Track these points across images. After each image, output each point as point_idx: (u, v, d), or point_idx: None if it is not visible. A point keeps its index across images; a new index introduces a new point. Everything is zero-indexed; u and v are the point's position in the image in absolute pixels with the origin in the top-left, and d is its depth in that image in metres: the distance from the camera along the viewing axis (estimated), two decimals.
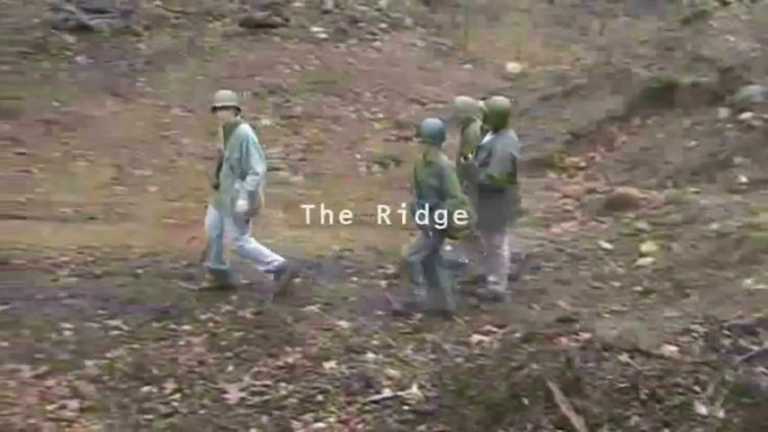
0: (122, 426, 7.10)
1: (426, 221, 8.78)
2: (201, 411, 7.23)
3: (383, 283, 9.75)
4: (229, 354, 8.05)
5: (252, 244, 9.31)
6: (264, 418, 7.06)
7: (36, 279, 9.57)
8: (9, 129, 14.09)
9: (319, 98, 16.30)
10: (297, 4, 20.66)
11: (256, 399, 7.30)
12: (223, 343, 8.22)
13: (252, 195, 9.12)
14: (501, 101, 9.59)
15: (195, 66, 17.34)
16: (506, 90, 17.45)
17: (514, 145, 9.43)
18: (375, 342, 8.12)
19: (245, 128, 9.19)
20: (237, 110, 9.28)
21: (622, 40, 19.93)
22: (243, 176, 9.09)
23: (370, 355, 7.83)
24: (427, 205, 8.78)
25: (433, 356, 7.79)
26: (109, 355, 8.07)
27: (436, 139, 8.82)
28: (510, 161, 9.26)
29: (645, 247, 10.23)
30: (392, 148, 14.39)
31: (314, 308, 8.88)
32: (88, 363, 7.96)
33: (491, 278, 9.38)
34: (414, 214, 8.94)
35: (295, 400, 7.22)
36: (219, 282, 9.42)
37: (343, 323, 8.53)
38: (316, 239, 10.84)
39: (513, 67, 19.29)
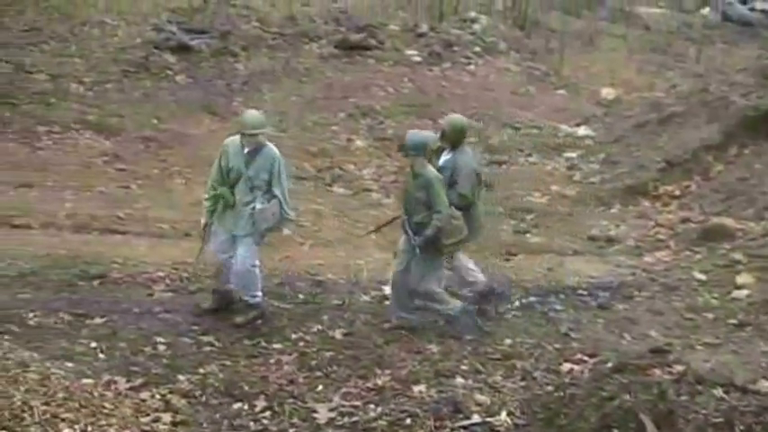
0: None
1: (413, 237, 8.71)
2: (291, 430, 7.32)
3: (474, 307, 9.71)
4: (319, 373, 8.13)
5: (258, 271, 9.22)
6: None
7: (132, 293, 9.76)
8: (110, 145, 14.44)
9: (412, 121, 16.33)
10: (392, 27, 20.81)
11: (345, 419, 7.35)
12: (313, 362, 8.30)
13: (289, 224, 9.39)
14: (459, 118, 9.64)
15: (290, 86, 17.55)
16: (600, 116, 17.40)
17: (475, 160, 9.60)
18: (464, 367, 8.12)
19: (272, 148, 9.05)
20: None
21: (719, 67, 19.70)
22: (267, 195, 8.97)
23: (460, 380, 7.83)
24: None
25: (522, 383, 7.76)
26: (201, 370, 8.21)
27: (421, 150, 8.69)
28: (475, 176, 9.33)
29: (740, 280, 10.07)
30: (484, 173, 14.32)
31: (403, 331, 8.91)
32: (181, 377, 8.10)
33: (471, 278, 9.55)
34: (406, 231, 8.83)
35: (384, 423, 7.24)
36: (224, 303, 9.30)
37: (433, 347, 8.54)
38: None
39: (607, 93, 19.16)
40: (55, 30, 18.77)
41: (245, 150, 8.92)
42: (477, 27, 21.56)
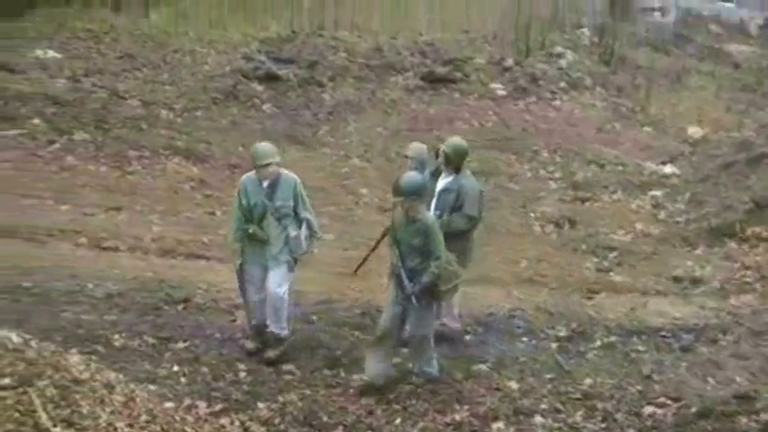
0: None
1: (410, 284, 8.27)
2: None
3: (554, 345, 9.66)
4: (397, 406, 8.14)
5: (288, 300, 9.13)
6: None
7: (215, 318, 9.89)
8: (198, 171, 14.67)
9: (496, 155, 16.33)
10: (477, 61, 20.85)
11: None
12: (391, 395, 8.30)
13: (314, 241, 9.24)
14: (461, 141, 9.54)
15: (376, 117, 17.68)
16: (687, 155, 17.18)
17: (476, 182, 9.52)
18: (544, 406, 8.06)
19: (289, 174, 9.04)
20: None
21: None
22: (295, 222, 8.94)
23: (539, 419, 7.78)
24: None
25: (603, 425, 7.68)
26: (281, 398, 8.29)
27: (417, 195, 8.29)
28: (480, 198, 9.31)
29: None
30: (567, 209, 14.28)
31: (483, 366, 8.88)
32: (261, 405, 8.19)
33: (445, 319, 9.41)
34: (400, 278, 8.34)
35: None
36: (285, 347, 9.16)
37: (513, 384, 8.50)
38: (487, 296, 10.84)
39: (694, 131, 18.91)
40: (148, 57, 19.21)
41: (265, 185, 8.89)
42: (563, 62, 21.49)
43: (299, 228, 8.96)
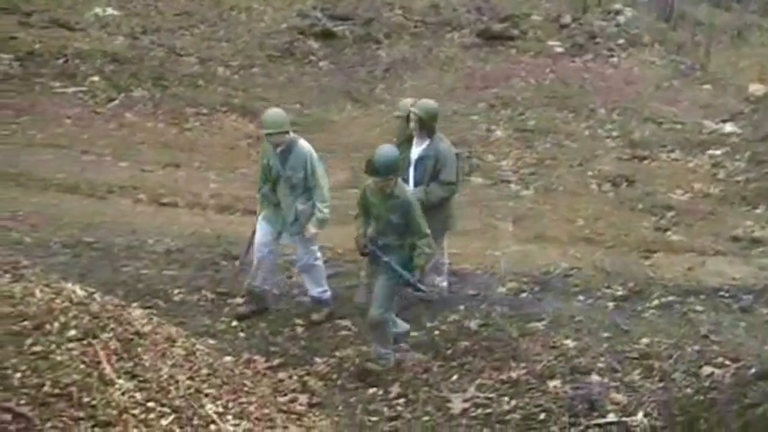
0: (348, 425, 7.35)
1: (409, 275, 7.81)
2: (425, 418, 7.39)
3: (610, 304, 9.61)
4: (454, 363, 8.16)
5: (322, 264, 9.08)
6: (486, 431, 7.13)
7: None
8: (254, 128, 14.73)
9: (553, 113, 16.20)
10: (534, 18, 20.63)
11: (479, 411, 7.38)
12: (448, 352, 8.34)
13: (324, 221, 8.81)
14: (433, 103, 9.07)
15: (432, 75, 17.61)
16: (748, 113, 16.90)
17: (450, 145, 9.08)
18: (600, 364, 8.00)
19: (303, 145, 8.79)
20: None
21: None
22: (306, 195, 8.75)
23: (596, 378, 7.74)
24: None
25: (660, 384, 7.63)
26: (337, 354, 8.36)
27: (394, 170, 7.72)
28: (457, 162, 8.98)
29: None
30: (625, 167, 14.14)
31: (540, 324, 8.85)
32: (318, 360, 8.27)
33: (438, 279, 9.27)
34: (374, 254, 7.93)
35: (517, 416, 7.25)
36: (259, 305, 9.06)
37: (569, 342, 8.45)
38: (544, 255, 10.81)
39: (755, 89, 18.55)
40: (204, 14, 19.27)
41: (278, 150, 8.77)
42: (621, 19, 21.18)
43: (307, 204, 8.77)
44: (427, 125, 8.85)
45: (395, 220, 7.81)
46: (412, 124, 8.87)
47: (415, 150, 8.86)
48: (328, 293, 9.11)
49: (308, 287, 9.13)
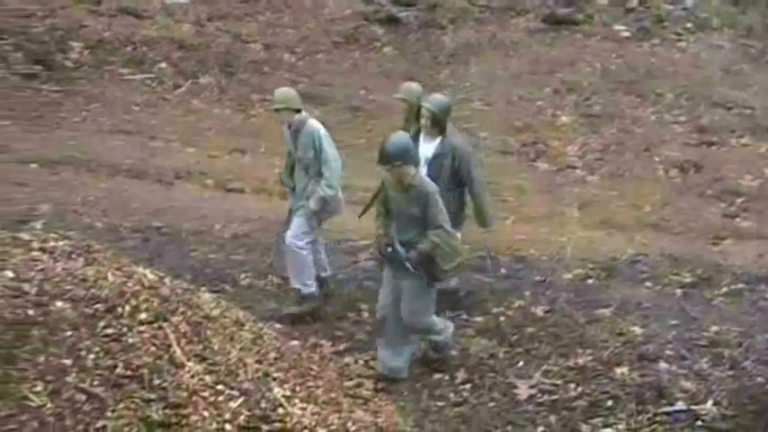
0: (414, 409, 7.40)
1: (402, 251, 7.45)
2: (490, 404, 7.41)
3: (678, 291, 9.51)
4: (519, 349, 8.15)
5: (308, 255, 8.66)
6: (552, 417, 7.13)
7: (337, 259, 10.01)
8: (319, 114, 14.71)
9: (619, 98, 16.03)
10: (600, 2, 20.34)
11: (545, 397, 7.38)
12: (514, 338, 8.32)
13: (324, 201, 8.54)
14: (444, 97, 8.76)
15: (496, 60, 17.48)
16: None
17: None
18: (668, 352, 7.94)
19: (313, 124, 8.65)
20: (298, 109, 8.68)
21: None
22: (319, 176, 8.55)
23: (663, 365, 7.68)
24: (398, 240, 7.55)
25: (730, 373, 7.54)
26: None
27: (407, 157, 7.37)
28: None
29: None
30: (692, 153, 13.95)
31: (606, 311, 8.79)
32: None
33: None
34: (393, 255, 7.53)
35: (584, 403, 7.23)
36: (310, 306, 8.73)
37: (636, 329, 8.38)
38: (610, 241, 10.73)
39: None
40: (270, 1, 19.33)
41: (290, 130, 8.71)
42: (688, 2, 20.83)
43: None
44: (441, 121, 8.48)
45: (415, 213, 7.46)
46: (423, 120, 8.48)
47: (426, 147, 8.46)
48: (311, 288, 8.66)
49: (292, 279, 8.73)
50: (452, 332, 8.00)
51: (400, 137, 7.56)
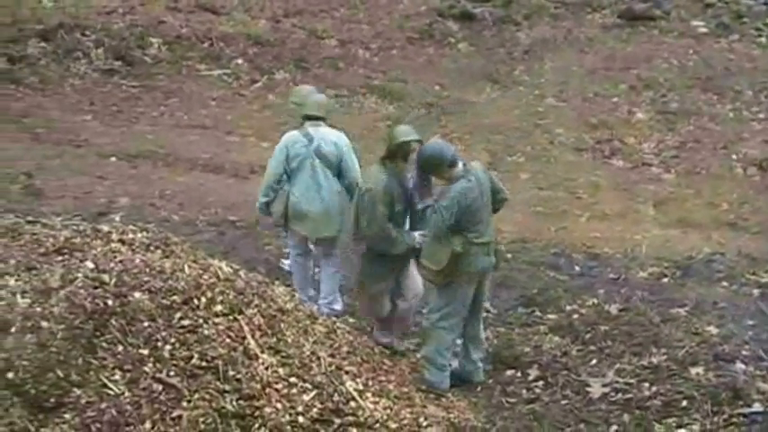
0: (486, 405, 7.38)
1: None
2: (563, 402, 7.34)
3: (756, 291, 9.35)
4: (593, 347, 8.07)
5: (294, 270, 8.65)
6: (626, 417, 7.05)
7: None
8: (393, 110, 14.88)
9: (696, 94, 15.81)
10: None
11: (619, 396, 7.29)
12: (587, 336, 8.25)
13: (260, 211, 8.59)
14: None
15: (572, 56, 17.37)
16: None
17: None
18: (745, 352, 7.81)
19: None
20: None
21: None
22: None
23: (740, 366, 7.54)
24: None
25: None
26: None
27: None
28: None
29: None
30: None
31: (681, 310, 8.67)
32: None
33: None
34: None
35: (658, 402, 7.13)
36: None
37: (712, 329, 8.25)
38: (686, 240, 10.60)
39: None
40: None
41: None
42: None
43: None
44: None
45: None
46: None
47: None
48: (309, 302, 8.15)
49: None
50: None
51: (435, 146, 7.56)
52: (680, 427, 6.82)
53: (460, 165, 7.33)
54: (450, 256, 7.19)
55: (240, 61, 16.19)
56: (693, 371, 7.45)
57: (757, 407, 6.86)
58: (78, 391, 5.41)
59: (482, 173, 7.47)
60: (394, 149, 7.62)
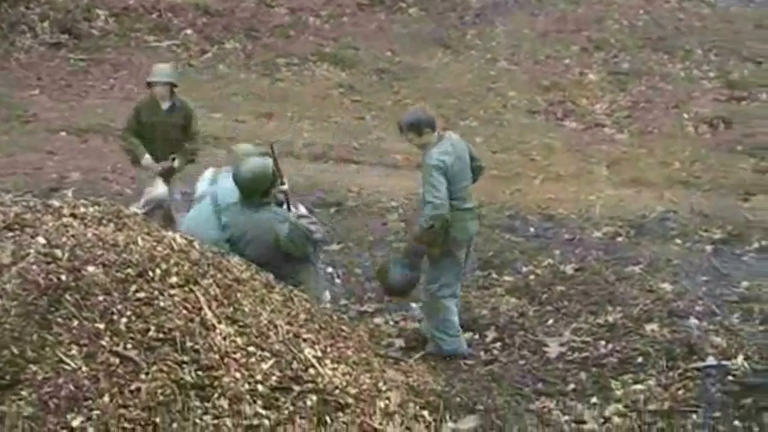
0: (445, 369, 7.38)
1: None
2: (521, 362, 7.40)
3: (708, 247, 9.46)
4: (549, 308, 8.14)
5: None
6: (583, 375, 7.11)
7: (368, 222, 10.06)
8: (346, 77, 14.82)
9: (647, 54, 15.91)
10: None
11: (576, 355, 7.36)
12: (544, 296, 8.32)
13: None
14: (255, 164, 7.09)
15: (523, 19, 17.37)
16: None
17: None
18: (699, 308, 7.91)
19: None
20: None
21: None
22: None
23: (694, 321, 7.65)
24: None
25: (762, 328, 7.51)
26: (422, 299, 8.35)
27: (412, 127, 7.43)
28: None
29: None
30: (722, 109, 13.84)
31: (636, 268, 8.77)
32: (414, 305, 8.32)
33: None
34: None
35: (614, 360, 7.21)
36: None
37: (666, 286, 8.36)
38: (639, 199, 10.69)
39: None
40: None
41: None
42: None
43: None
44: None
45: None
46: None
47: None
48: None
49: None
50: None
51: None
52: (636, 383, 6.89)
53: (437, 132, 7.42)
54: (441, 225, 7.23)
55: (189, 32, 16.03)
56: (648, 328, 7.55)
57: (711, 361, 6.96)
58: (34, 368, 5.34)
59: (456, 139, 7.56)
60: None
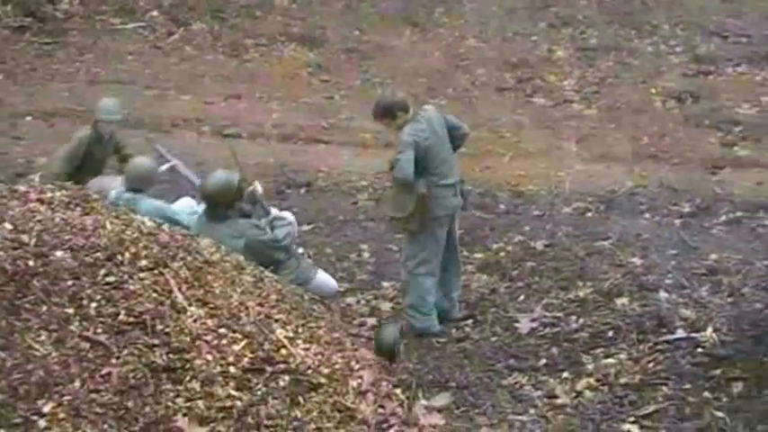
0: (417, 347, 7.49)
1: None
2: (493, 338, 7.47)
3: (677, 221, 9.53)
4: (520, 284, 8.20)
5: None
6: (554, 350, 7.18)
7: (337, 201, 10.06)
8: (314, 56, 14.75)
9: (615, 30, 15.91)
10: None
11: (547, 330, 7.43)
12: (514, 273, 8.36)
13: None
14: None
15: None
16: None
17: None
18: (668, 281, 7.98)
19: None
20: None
21: None
22: None
23: (663, 294, 7.71)
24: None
25: (730, 300, 7.58)
26: (404, 278, 8.39)
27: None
28: None
29: None
30: (690, 83, 13.89)
31: (606, 243, 8.82)
32: (385, 284, 8.36)
33: None
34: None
35: (585, 335, 7.28)
36: None
37: (636, 260, 8.42)
38: (609, 174, 10.74)
39: None
40: None
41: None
42: None
43: None
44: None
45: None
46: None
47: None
48: None
49: None
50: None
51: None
52: (607, 356, 6.97)
53: (411, 111, 7.52)
54: (417, 199, 7.22)
55: (155, 13, 15.88)
56: (619, 302, 7.62)
57: (680, 333, 7.03)
58: (3, 354, 5.30)
59: (434, 114, 7.63)
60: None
